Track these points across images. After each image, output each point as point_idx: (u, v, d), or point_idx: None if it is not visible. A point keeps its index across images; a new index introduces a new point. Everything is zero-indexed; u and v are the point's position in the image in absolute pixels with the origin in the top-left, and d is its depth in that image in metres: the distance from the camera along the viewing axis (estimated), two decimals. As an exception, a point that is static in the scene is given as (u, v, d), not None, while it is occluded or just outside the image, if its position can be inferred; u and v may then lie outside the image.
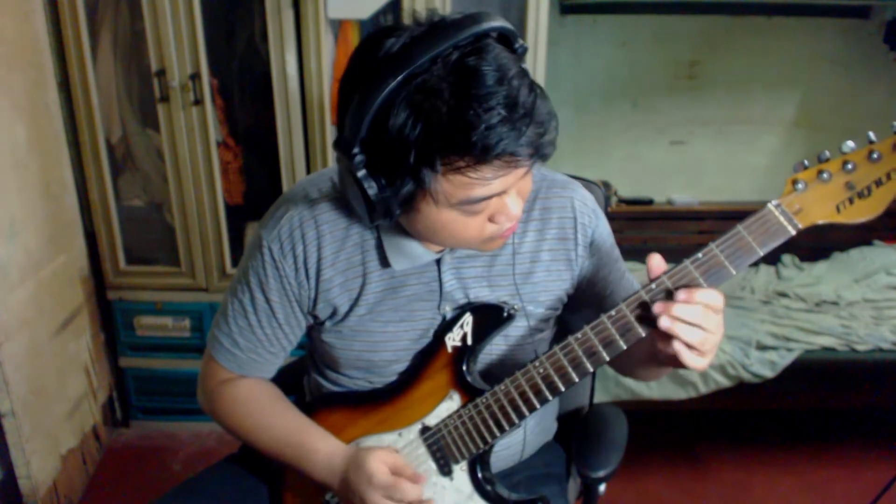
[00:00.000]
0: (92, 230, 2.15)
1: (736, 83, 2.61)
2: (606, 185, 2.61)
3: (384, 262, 0.95)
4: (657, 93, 2.62)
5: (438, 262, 0.96)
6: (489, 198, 0.81)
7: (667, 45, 2.55)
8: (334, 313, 0.98)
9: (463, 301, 0.98)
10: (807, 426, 2.38)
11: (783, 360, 1.99)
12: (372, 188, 0.79)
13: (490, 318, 0.96)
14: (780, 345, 2.03)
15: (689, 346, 0.80)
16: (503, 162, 0.76)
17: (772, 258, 2.61)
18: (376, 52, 0.77)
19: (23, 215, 1.80)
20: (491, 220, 0.85)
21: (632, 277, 1.06)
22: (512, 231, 0.90)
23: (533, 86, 0.77)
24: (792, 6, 2.49)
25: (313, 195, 0.97)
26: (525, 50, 0.82)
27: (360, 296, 0.96)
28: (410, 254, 0.94)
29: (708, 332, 0.80)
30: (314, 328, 1.04)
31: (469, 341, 0.97)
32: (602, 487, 1.15)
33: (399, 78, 0.73)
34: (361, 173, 0.79)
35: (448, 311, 0.98)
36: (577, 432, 1.21)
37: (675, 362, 0.82)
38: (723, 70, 2.59)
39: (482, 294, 0.98)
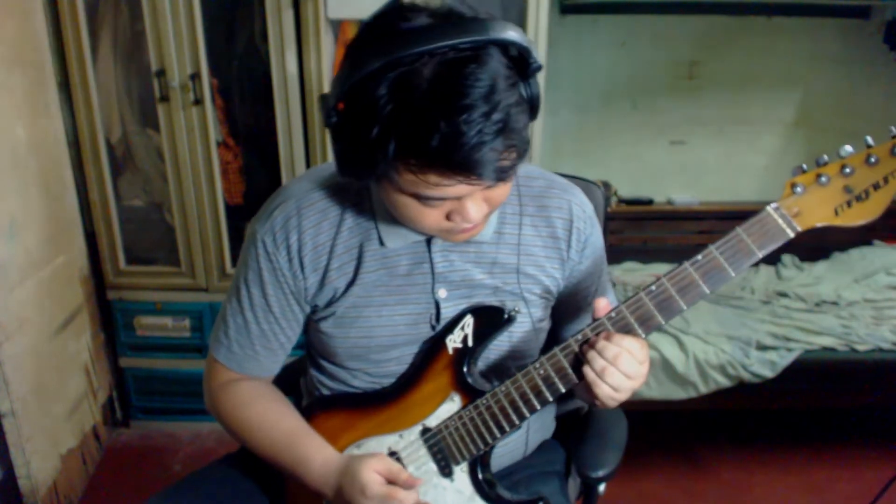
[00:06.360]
0: (92, 230, 2.15)
1: (736, 83, 2.61)
2: (606, 185, 2.60)
3: (379, 242, 0.96)
4: (657, 93, 2.61)
5: (429, 242, 0.97)
6: (441, 199, 0.81)
7: (667, 45, 2.55)
8: (333, 297, 0.99)
9: (457, 282, 0.98)
10: (807, 426, 2.38)
11: (783, 360, 1.99)
12: (339, 145, 0.82)
13: (491, 319, 0.97)
14: (780, 345, 2.03)
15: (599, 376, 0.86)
16: (456, 176, 0.76)
17: (772, 258, 2.61)
18: (385, 26, 0.77)
19: (23, 215, 1.80)
20: (448, 217, 0.85)
21: (612, 294, 1.10)
22: (470, 232, 0.89)
23: (512, 110, 0.75)
24: (792, 6, 2.49)
25: (307, 186, 0.98)
26: (538, 68, 0.80)
27: (356, 276, 0.97)
28: (401, 230, 0.95)
29: (619, 370, 0.85)
30: (311, 322, 1.04)
31: (470, 343, 0.97)
32: (602, 487, 1.15)
33: (384, 61, 0.73)
34: (333, 129, 0.81)
35: (443, 294, 0.98)
36: (577, 432, 1.21)
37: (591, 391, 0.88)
38: (723, 70, 2.59)
39: (477, 277, 0.98)
